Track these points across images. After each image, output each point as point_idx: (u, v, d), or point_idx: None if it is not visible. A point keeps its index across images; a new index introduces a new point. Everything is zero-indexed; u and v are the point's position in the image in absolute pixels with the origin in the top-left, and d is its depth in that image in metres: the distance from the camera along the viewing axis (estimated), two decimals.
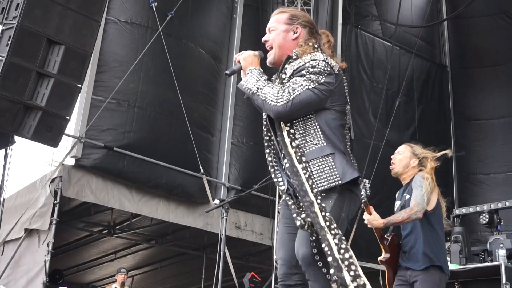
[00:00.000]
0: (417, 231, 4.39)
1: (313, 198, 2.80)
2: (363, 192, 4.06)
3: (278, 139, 2.95)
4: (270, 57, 3.12)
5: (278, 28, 3.13)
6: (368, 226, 4.43)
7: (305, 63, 2.94)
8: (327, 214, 2.79)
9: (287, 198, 2.94)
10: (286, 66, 3.02)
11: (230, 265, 8.48)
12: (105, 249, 12.27)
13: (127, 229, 10.87)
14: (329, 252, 2.75)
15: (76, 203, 9.01)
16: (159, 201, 8.86)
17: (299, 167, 2.85)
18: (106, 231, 11.00)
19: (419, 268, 4.29)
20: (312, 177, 2.87)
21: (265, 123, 3.05)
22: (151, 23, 8.92)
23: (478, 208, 8.24)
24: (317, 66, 2.93)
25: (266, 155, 3.05)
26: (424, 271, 4.27)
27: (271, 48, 3.12)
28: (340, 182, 2.89)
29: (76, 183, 8.13)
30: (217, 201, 6.65)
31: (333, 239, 2.76)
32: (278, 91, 2.89)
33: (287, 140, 2.90)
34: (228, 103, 9.87)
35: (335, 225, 2.80)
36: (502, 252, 6.72)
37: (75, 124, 8.17)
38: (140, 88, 8.81)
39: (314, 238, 2.83)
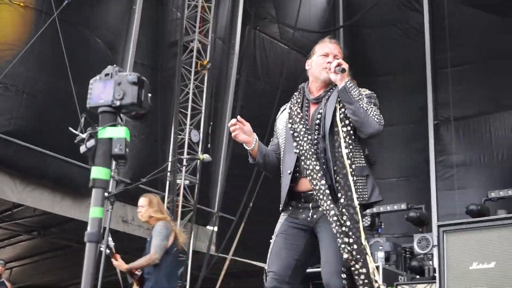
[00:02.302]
0: (156, 270, 5.37)
1: (360, 216, 3.15)
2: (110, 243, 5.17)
3: (335, 150, 3.26)
4: (334, 76, 3.40)
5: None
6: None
7: (368, 93, 3.44)
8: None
9: (332, 214, 3.15)
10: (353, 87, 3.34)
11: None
12: None
13: (8, 219, 10.46)
14: (364, 270, 3.09)
15: None
16: (44, 191, 8.59)
17: (351, 179, 3.19)
18: None
19: None
20: (358, 191, 3.22)
21: (317, 135, 3.36)
22: (47, 8, 8.62)
23: (367, 211, 8.55)
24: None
25: (313, 164, 3.26)
26: None
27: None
28: (366, 200, 3.28)
29: None
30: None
31: (370, 262, 3.14)
32: (379, 113, 3.33)
33: (344, 152, 3.23)
34: None
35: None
36: (381, 254, 7.02)
37: None
38: (31, 74, 8.50)
39: (344, 269, 3.12)
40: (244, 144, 3.51)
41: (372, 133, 3.30)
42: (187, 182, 9.64)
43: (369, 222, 8.22)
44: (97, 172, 2.01)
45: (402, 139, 12.03)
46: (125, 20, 9.91)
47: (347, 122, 3.32)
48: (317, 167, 3.24)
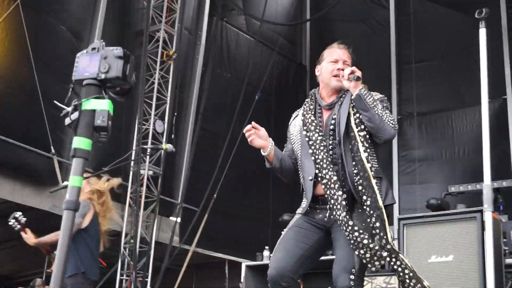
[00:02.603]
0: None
1: (385, 216, 3.23)
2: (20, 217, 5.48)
3: (354, 154, 3.32)
4: (339, 83, 3.49)
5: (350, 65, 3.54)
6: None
7: (380, 97, 3.49)
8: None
9: (345, 219, 3.22)
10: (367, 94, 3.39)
11: None
12: None
13: None
14: (403, 266, 3.29)
15: None
16: (3, 179, 8.46)
17: (373, 182, 3.26)
18: None
19: (67, 275, 5.13)
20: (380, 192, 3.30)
21: (332, 141, 3.41)
22: None
23: None
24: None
25: (330, 174, 3.31)
26: (71, 277, 5.17)
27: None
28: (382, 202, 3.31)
29: None
30: (66, 183, 6.46)
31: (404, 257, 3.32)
32: (393, 118, 3.40)
33: (363, 156, 3.30)
34: None
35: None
36: None
37: None
38: None
39: (354, 270, 3.21)
40: (261, 149, 3.52)
41: (388, 139, 3.39)
42: (150, 172, 9.59)
43: None
44: (79, 142, 2.04)
45: None
46: (90, 8, 9.80)
47: (362, 127, 3.37)
48: (334, 177, 3.31)
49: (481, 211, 3.71)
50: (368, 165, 3.28)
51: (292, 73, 12.97)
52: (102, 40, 2.16)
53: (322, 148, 3.38)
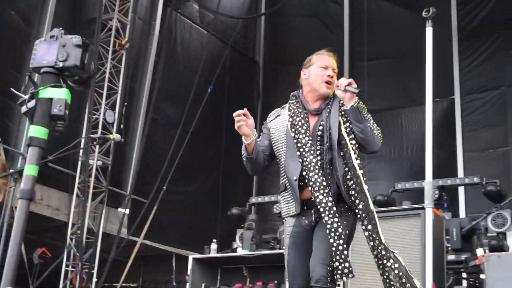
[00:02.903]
0: None
1: (377, 219, 3.37)
2: None
3: (346, 161, 3.42)
4: (329, 90, 3.59)
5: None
6: None
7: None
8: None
9: (329, 216, 3.32)
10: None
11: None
12: None
13: None
14: (397, 265, 3.36)
15: None
16: None
17: (365, 187, 3.38)
18: None
19: None
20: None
21: (319, 146, 3.48)
22: None
23: (272, 198, 8.66)
24: None
25: (315, 177, 3.37)
26: None
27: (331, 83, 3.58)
28: None
29: None
30: (11, 171, 6.33)
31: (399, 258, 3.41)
32: (378, 132, 3.54)
33: (356, 163, 3.41)
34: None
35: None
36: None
37: None
38: None
39: (330, 262, 3.29)
40: (243, 137, 3.52)
41: (375, 151, 3.54)
42: (99, 163, 9.47)
43: (279, 209, 8.31)
44: (35, 130, 2.03)
45: None
46: None
47: (352, 136, 3.47)
48: (324, 183, 3.37)
49: (424, 208, 3.76)
50: (360, 172, 3.40)
51: (245, 67, 12.97)
52: (61, 28, 2.13)
53: (312, 152, 3.44)
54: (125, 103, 9.88)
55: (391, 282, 3.36)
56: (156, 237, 10.24)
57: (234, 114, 3.47)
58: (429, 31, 3.30)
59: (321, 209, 3.34)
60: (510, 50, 11.03)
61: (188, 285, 7.39)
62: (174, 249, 10.29)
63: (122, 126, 9.63)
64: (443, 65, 11.42)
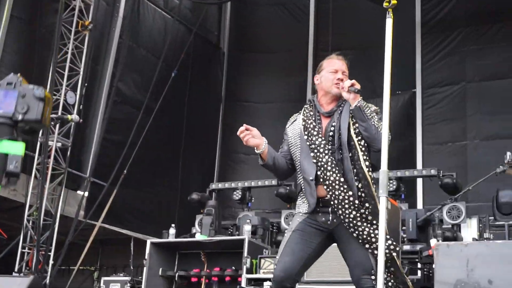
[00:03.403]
0: None
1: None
2: None
3: (355, 163, 3.58)
4: (348, 94, 3.71)
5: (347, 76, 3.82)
6: None
7: (374, 108, 3.73)
8: None
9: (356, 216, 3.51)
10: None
11: None
12: None
13: None
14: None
15: None
16: None
17: (373, 189, 3.52)
18: None
19: None
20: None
21: (331, 146, 3.64)
22: None
23: (233, 185, 8.68)
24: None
25: (334, 176, 3.55)
26: None
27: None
28: None
29: None
30: None
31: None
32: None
33: (364, 165, 3.56)
34: None
35: None
36: (247, 227, 7.15)
37: None
38: None
39: (373, 271, 3.40)
40: (255, 148, 3.71)
41: (381, 148, 3.54)
42: (59, 144, 9.36)
43: (239, 196, 8.35)
44: None
45: (279, 116, 12.15)
46: None
47: (361, 137, 3.64)
48: (342, 179, 3.54)
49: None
50: (368, 174, 3.55)
51: (209, 54, 12.91)
52: (19, 75, 1.97)
53: (326, 152, 3.63)
54: (86, 84, 9.77)
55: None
56: (114, 221, 10.18)
57: (238, 133, 3.68)
58: (388, 22, 3.35)
59: (340, 206, 3.52)
60: (471, 46, 11.20)
61: (145, 269, 7.37)
62: (133, 233, 10.24)
63: (81, 107, 9.52)
64: (406, 59, 11.55)
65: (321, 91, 3.86)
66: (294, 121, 3.91)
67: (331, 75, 3.81)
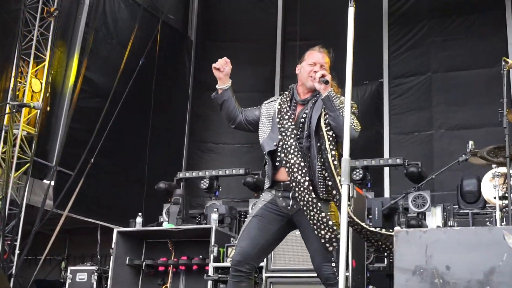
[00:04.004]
0: None
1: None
2: None
3: (321, 152, 3.70)
4: (319, 85, 3.83)
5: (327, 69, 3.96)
6: None
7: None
8: None
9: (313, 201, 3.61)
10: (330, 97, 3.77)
11: None
12: None
13: None
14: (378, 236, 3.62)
15: None
16: None
17: (337, 180, 3.55)
18: None
19: None
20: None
21: (300, 133, 3.79)
22: None
23: (200, 174, 8.69)
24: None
25: (294, 159, 3.70)
26: None
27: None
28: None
29: None
30: None
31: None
32: (356, 122, 3.75)
33: (330, 155, 3.67)
34: None
35: None
36: (214, 216, 7.18)
37: None
38: None
39: (334, 258, 3.57)
40: (218, 80, 4.04)
41: (352, 139, 3.58)
42: (24, 133, 9.25)
43: (207, 185, 8.35)
44: None
45: (247, 106, 12.15)
46: None
47: (329, 127, 3.76)
48: (302, 163, 3.67)
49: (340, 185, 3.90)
50: (333, 163, 3.64)
51: (176, 43, 12.83)
52: None
53: (292, 136, 3.77)
54: (52, 71, 9.66)
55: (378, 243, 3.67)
56: (81, 210, 10.10)
57: (220, 62, 4.00)
58: (351, 11, 3.40)
59: (297, 189, 3.64)
60: (437, 37, 11.34)
61: (112, 258, 7.35)
62: (100, 222, 10.19)
63: (48, 95, 9.42)
64: (374, 49, 11.65)
65: (299, 81, 4.02)
66: (272, 101, 4.08)
67: (309, 67, 3.96)
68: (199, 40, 13.38)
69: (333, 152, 3.68)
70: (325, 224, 3.57)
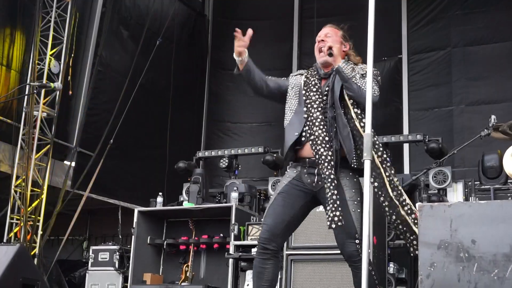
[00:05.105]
0: None
1: (384, 175, 3.57)
2: None
3: (348, 119, 3.71)
4: (323, 58, 3.89)
5: (336, 40, 3.94)
6: None
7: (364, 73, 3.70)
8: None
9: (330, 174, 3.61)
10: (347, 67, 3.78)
11: None
12: None
13: None
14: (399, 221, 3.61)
15: None
16: None
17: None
18: None
19: None
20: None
21: (324, 105, 3.80)
22: None
23: (219, 153, 8.68)
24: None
25: (319, 131, 3.72)
26: None
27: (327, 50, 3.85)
28: None
29: None
30: None
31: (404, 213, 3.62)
32: (374, 87, 3.57)
33: (358, 123, 3.67)
34: None
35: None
36: (234, 195, 7.18)
37: None
38: None
39: (357, 235, 3.55)
40: (235, 55, 3.97)
41: (373, 103, 3.59)
42: (44, 114, 9.29)
43: (226, 164, 8.37)
44: None
45: None
46: None
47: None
48: (326, 138, 3.69)
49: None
50: (362, 130, 3.61)
51: (194, 22, 12.77)
52: None
53: (319, 109, 3.79)
54: (72, 54, 9.68)
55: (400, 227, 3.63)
56: (102, 191, 10.17)
57: (238, 32, 3.97)
58: None
59: (321, 162, 3.63)
60: (456, 11, 11.18)
61: (133, 238, 7.40)
62: (121, 203, 10.25)
63: (69, 78, 9.45)
64: (393, 24, 11.52)
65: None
66: (299, 74, 4.10)
67: (316, 44, 4.01)
68: (216, 18, 13.32)
69: (362, 123, 3.68)
70: (332, 202, 3.55)
